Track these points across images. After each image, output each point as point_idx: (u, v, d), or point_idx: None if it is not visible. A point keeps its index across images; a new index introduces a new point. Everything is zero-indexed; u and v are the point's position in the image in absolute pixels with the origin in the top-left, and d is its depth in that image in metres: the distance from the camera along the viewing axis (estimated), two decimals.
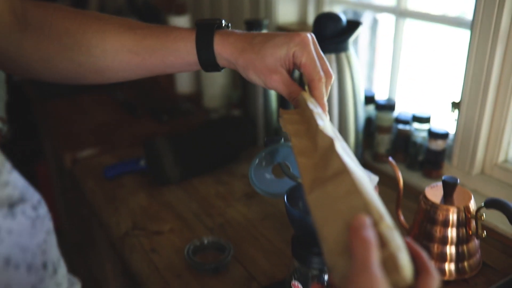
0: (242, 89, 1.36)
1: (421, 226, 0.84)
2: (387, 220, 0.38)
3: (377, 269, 0.34)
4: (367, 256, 0.35)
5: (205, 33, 0.65)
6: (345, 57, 1.07)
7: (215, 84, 1.51)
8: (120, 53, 0.65)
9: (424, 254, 0.40)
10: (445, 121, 1.15)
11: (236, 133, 1.28)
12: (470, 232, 0.81)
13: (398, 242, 0.37)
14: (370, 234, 0.36)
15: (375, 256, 0.35)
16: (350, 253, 0.37)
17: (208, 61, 0.66)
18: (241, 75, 0.67)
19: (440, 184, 0.86)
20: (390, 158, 0.89)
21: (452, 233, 0.81)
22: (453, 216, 0.81)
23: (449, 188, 0.82)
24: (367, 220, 0.37)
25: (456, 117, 1.05)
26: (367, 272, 0.34)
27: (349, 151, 0.51)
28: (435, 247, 0.82)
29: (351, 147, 1.13)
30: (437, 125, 1.11)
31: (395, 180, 0.88)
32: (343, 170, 0.42)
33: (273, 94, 1.31)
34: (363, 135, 1.16)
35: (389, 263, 0.35)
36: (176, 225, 1.01)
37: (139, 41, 0.65)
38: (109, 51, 0.65)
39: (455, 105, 1.06)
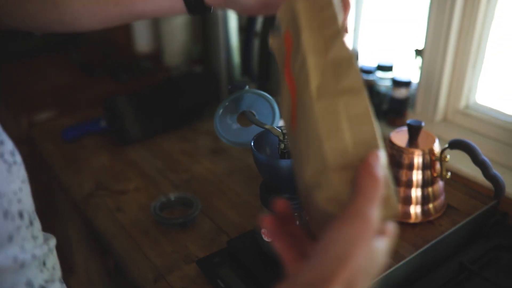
0: (203, 44, 1.32)
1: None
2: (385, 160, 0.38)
3: (377, 211, 0.36)
4: (374, 195, 0.36)
5: None
6: None
7: (175, 41, 1.47)
8: None
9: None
10: (408, 70, 1.15)
11: (199, 89, 1.25)
12: (435, 174, 0.82)
13: (392, 184, 0.38)
14: (381, 174, 0.36)
15: (379, 198, 0.36)
16: (354, 182, 0.37)
17: None
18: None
19: (404, 129, 0.86)
20: None
21: (417, 176, 0.82)
22: (418, 159, 0.82)
23: (414, 131, 0.83)
24: (382, 159, 0.37)
25: (420, 65, 1.06)
26: (371, 209, 0.35)
27: None
28: (402, 191, 0.83)
29: None
30: (400, 74, 1.11)
31: None
32: (359, 90, 0.39)
33: (235, 48, 1.28)
34: None
35: (387, 203, 0.37)
36: (141, 183, 0.99)
37: None
38: None
39: (418, 53, 1.06)
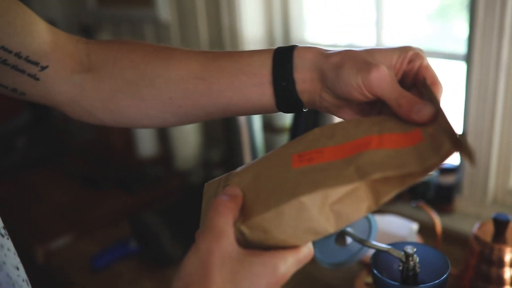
0: (224, 146, 1.28)
1: (476, 268, 0.81)
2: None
3: None
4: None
5: (284, 49, 0.54)
6: None
7: (187, 144, 1.42)
8: (186, 80, 0.56)
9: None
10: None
11: None
12: None
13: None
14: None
15: None
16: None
17: (283, 75, 0.52)
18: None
19: (483, 222, 0.84)
20: (420, 203, 0.85)
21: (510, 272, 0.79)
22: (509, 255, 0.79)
23: (501, 226, 0.80)
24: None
25: None
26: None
27: None
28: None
29: None
30: None
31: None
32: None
33: (260, 149, 1.25)
34: None
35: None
36: None
37: (207, 64, 0.56)
38: (173, 79, 0.57)
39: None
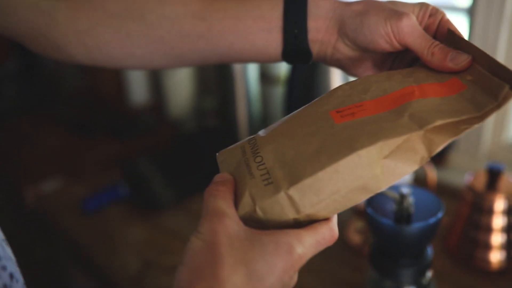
0: (218, 95, 1.26)
1: (469, 217, 0.82)
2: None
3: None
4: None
5: None
6: None
7: (181, 91, 1.39)
8: (182, 19, 0.50)
9: None
10: None
11: (218, 146, 1.17)
12: None
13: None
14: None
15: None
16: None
17: (296, 22, 0.48)
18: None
19: (477, 172, 0.84)
20: None
21: (502, 220, 0.80)
22: (500, 204, 0.79)
23: (495, 175, 0.80)
24: None
25: None
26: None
27: None
28: (484, 236, 0.80)
29: None
30: None
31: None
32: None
33: (255, 99, 1.23)
34: None
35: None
36: None
37: (209, 2, 0.50)
38: (168, 17, 0.50)
39: None
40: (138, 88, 1.53)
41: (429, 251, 0.64)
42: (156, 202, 1.03)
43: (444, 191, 0.97)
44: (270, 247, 0.34)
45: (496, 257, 0.80)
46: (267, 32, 0.49)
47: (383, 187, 0.36)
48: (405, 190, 0.61)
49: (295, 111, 0.42)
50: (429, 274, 0.64)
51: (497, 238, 0.80)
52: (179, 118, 1.40)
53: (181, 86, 1.38)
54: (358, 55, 0.48)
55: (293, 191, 0.35)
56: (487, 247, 0.80)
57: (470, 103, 0.37)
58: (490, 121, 1.02)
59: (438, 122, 0.36)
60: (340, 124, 0.38)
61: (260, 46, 0.50)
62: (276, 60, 0.52)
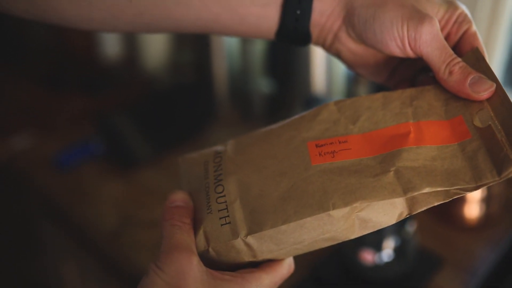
0: (194, 49, 1.22)
1: None
2: None
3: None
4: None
5: None
6: None
7: (156, 44, 1.34)
8: None
9: None
10: None
11: (194, 101, 1.15)
12: None
13: None
14: None
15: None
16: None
17: (300, 1, 0.40)
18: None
19: None
20: None
21: None
22: None
23: None
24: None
25: None
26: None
27: None
28: None
29: None
30: None
31: None
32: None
33: (236, 53, 1.19)
34: None
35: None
36: None
37: None
38: None
39: None
40: (110, 40, 1.47)
41: None
42: (132, 158, 1.01)
43: None
44: None
45: (475, 211, 0.81)
46: (262, 6, 0.41)
47: (352, 238, 0.34)
48: None
49: (274, 127, 0.38)
50: (412, 226, 0.65)
51: (476, 193, 0.81)
52: (154, 72, 1.36)
53: (156, 38, 1.33)
54: (361, 50, 0.42)
55: (252, 239, 0.33)
56: (465, 201, 0.81)
57: (469, 166, 0.33)
58: None
59: (426, 190, 0.32)
60: (316, 167, 0.34)
61: (251, 22, 0.41)
62: (267, 38, 0.44)
